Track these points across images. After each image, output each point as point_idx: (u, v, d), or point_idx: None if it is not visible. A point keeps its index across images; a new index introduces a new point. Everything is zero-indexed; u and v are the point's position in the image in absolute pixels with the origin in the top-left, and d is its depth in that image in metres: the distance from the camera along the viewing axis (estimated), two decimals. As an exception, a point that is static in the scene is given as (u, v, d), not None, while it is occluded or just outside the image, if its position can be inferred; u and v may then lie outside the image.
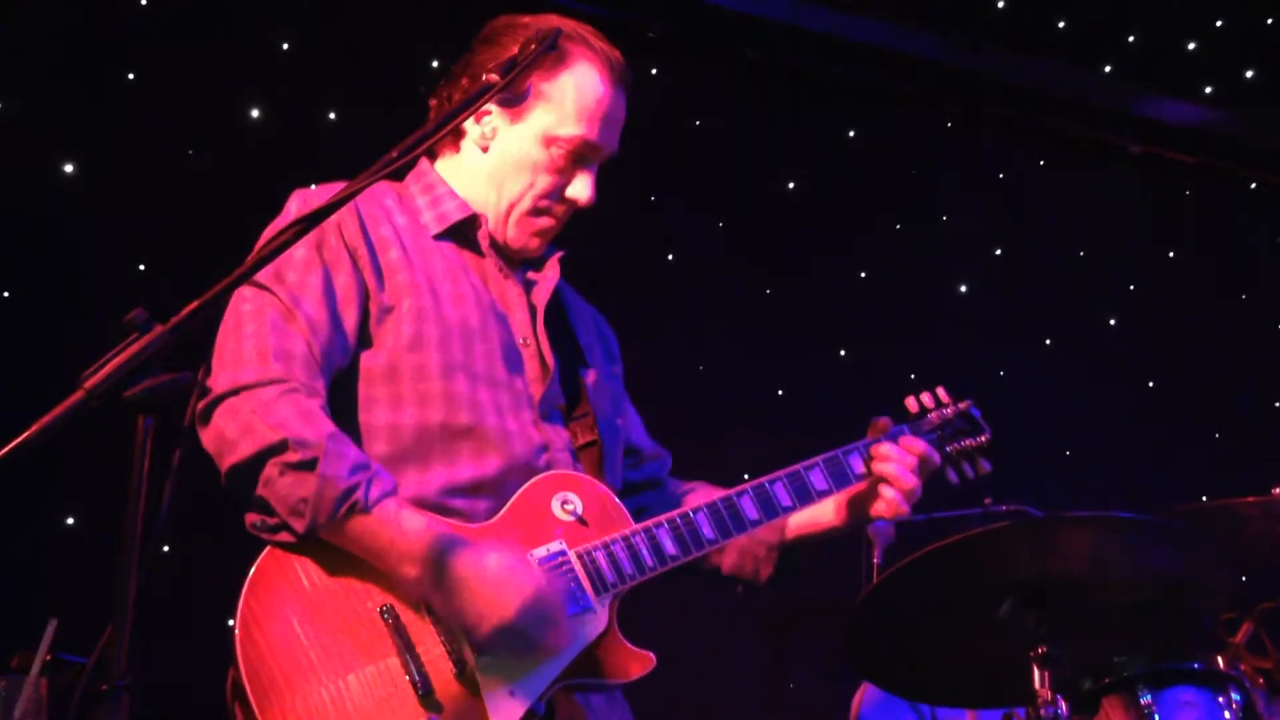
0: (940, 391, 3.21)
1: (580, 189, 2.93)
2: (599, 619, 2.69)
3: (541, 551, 2.69)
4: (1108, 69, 7.59)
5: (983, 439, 3.18)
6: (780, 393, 6.83)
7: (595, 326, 3.20)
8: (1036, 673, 3.10)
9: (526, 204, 2.93)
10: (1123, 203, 7.82)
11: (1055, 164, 7.76)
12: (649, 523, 2.81)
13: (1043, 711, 3.07)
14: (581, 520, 2.76)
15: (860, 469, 3.02)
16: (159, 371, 1.93)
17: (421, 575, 2.53)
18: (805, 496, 2.98)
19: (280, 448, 2.51)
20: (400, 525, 2.54)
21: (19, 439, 1.82)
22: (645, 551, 2.77)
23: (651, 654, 2.72)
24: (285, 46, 5.94)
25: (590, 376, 3.03)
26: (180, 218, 5.38)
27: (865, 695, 4.91)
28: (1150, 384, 7.67)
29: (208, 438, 2.58)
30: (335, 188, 2.80)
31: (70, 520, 5.18)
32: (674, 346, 6.39)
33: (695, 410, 6.26)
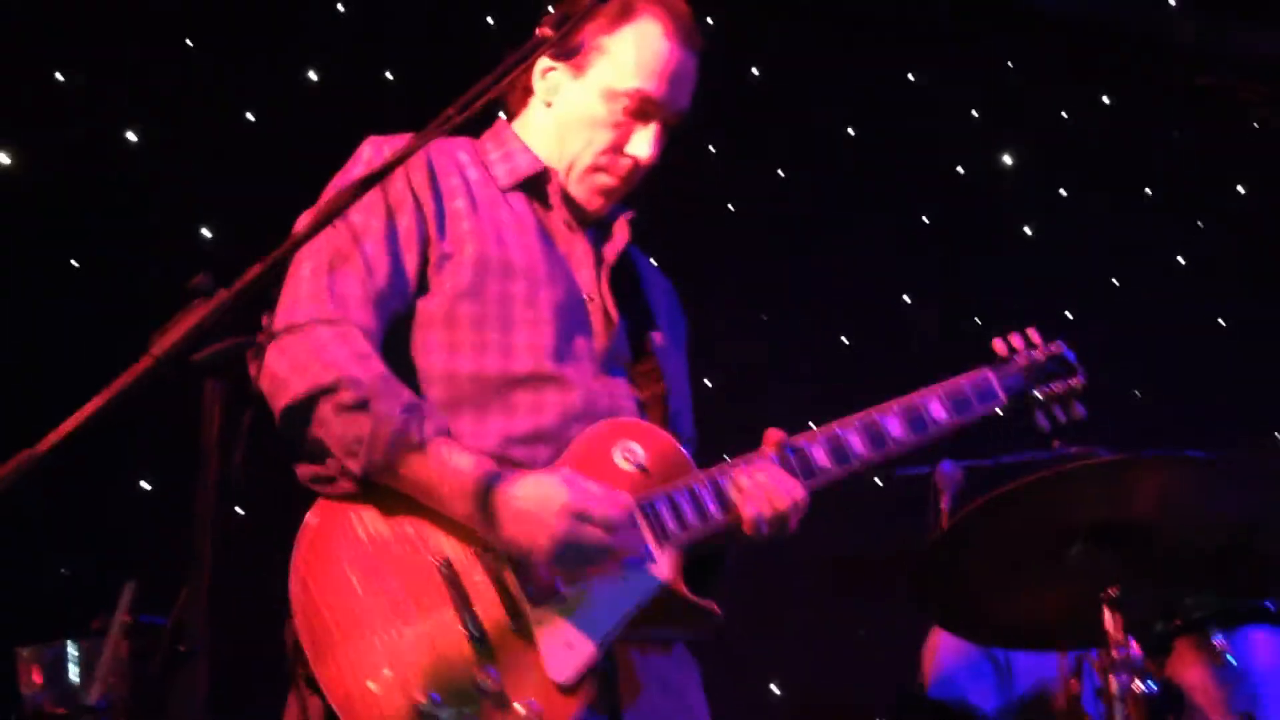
0: (1031, 333, 3.13)
1: (640, 146, 2.90)
2: (661, 569, 2.65)
3: None
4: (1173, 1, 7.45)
5: (1074, 382, 3.11)
6: (845, 340, 6.81)
7: (666, 296, 3.18)
8: (1108, 615, 3.09)
9: (587, 160, 2.91)
10: (1189, 138, 7.70)
11: (1120, 101, 7.65)
12: (712, 470, 2.77)
13: (1115, 653, 3.06)
14: (644, 469, 2.72)
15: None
16: (226, 335, 1.96)
17: (473, 510, 2.53)
18: (881, 443, 2.91)
19: (333, 388, 2.52)
20: (452, 462, 2.54)
21: (90, 406, 1.85)
22: (709, 501, 2.73)
23: (715, 605, 2.70)
24: (342, 8, 5.95)
25: (657, 337, 3.01)
26: (242, 182, 5.42)
27: (940, 643, 4.90)
28: (1220, 321, 7.57)
29: (261, 376, 2.57)
30: (407, 138, 2.82)
31: (145, 484, 5.26)
32: (735, 296, 6.38)
33: (757, 359, 6.25)
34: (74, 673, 3.55)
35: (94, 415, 1.84)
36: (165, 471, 5.19)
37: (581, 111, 2.90)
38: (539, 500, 2.51)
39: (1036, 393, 3.10)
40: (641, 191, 3.06)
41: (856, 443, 2.89)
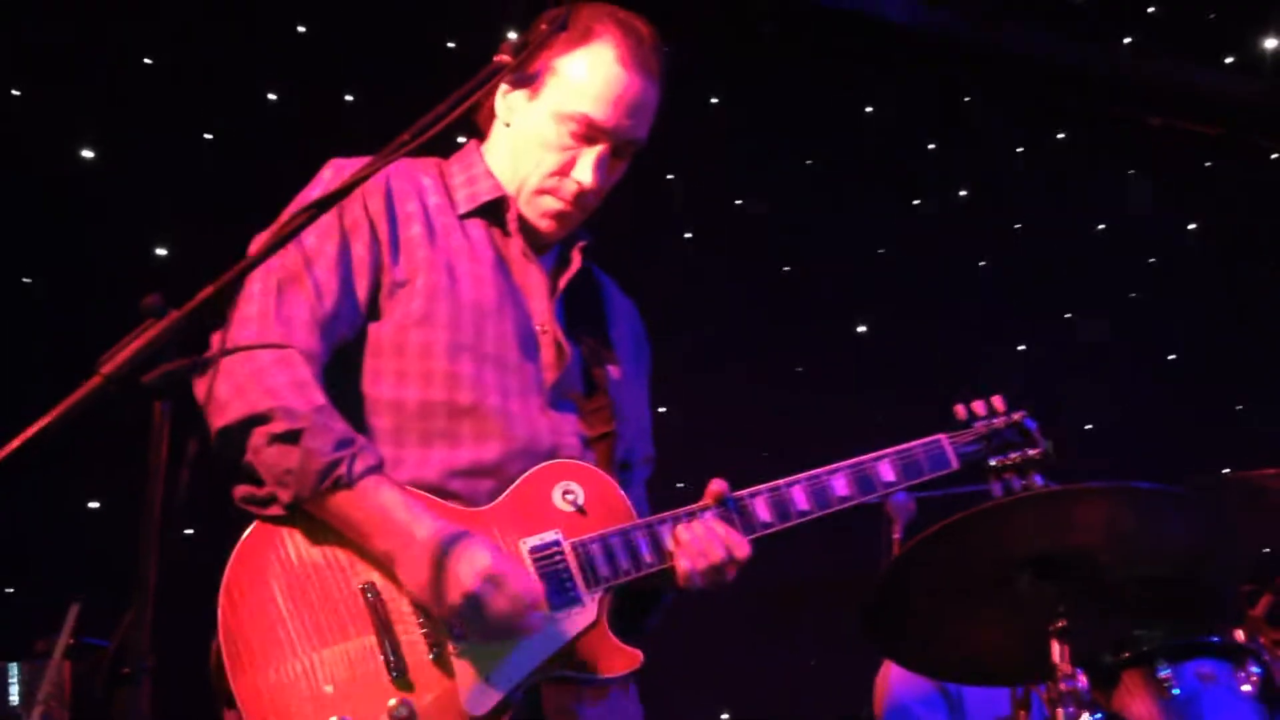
0: (996, 401, 3.08)
1: (585, 171, 2.85)
2: (587, 612, 2.66)
3: (535, 540, 2.67)
4: (1127, 40, 7.54)
5: (1034, 453, 3.05)
6: (799, 370, 6.83)
7: (629, 323, 3.15)
8: (1056, 647, 3.10)
9: (534, 183, 2.88)
10: (1142, 175, 7.78)
11: (1074, 137, 7.73)
12: (651, 519, 2.76)
13: (1062, 686, 3.07)
14: (581, 511, 2.73)
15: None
16: (176, 356, 1.94)
17: (391, 549, 2.53)
18: (825, 502, 2.89)
19: (267, 416, 2.52)
20: (378, 501, 2.54)
21: (39, 424, 1.84)
22: (644, 547, 2.73)
23: (639, 652, 2.69)
24: (302, 29, 5.95)
25: (614, 370, 2.98)
26: (198, 202, 5.40)
27: (890, 674, 4.91)
28: (1170, 356, 7.64)
29: (200, 391, 2.53)
30: (369, 161, 2.81)
31: (93, 505, 5.21)
32: (691, 325, 6.38)
33: (713, 388, 6.25)
34: (15, 694, 3.52)
35: (41, 434, 1.83)
36: (114, 492, 5.15)
37: (533, 133, 2.88)
38: (461, 557, 2.51)
39: (992, 461, 3.06)
40: (599, 218, 3.05)
41: (800, 499, 2.87)
